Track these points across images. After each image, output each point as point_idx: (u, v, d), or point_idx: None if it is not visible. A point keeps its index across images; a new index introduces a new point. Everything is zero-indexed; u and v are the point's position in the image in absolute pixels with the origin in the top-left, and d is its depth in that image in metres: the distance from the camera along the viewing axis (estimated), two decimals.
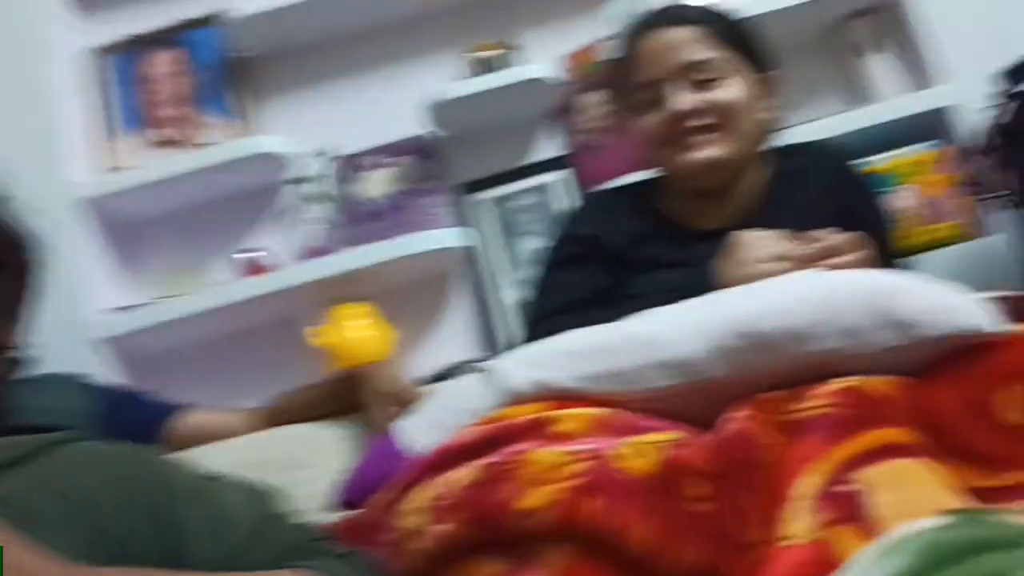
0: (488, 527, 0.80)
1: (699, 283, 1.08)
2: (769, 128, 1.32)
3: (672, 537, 0.75)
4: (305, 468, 1.32)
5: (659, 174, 1.35)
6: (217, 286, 1.83)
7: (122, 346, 1.78)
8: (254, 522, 0.78)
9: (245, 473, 1.31)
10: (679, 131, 1.25)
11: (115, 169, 1.91)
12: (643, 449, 0.81)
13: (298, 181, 1.88)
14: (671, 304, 1.01)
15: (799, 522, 0.73)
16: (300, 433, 1.41)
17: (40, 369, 1.50)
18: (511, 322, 1.81)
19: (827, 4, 1.81)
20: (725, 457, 0.80)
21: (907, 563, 0.50)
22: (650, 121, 1.28)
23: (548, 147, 1.93)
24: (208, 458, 1.36)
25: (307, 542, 0.78)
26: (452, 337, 1.87)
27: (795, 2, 1.76)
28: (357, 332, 1.72)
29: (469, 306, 1.89)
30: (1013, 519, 0.50)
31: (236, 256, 1.85)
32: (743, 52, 1.28)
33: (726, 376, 0.92)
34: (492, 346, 1.80)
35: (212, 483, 0.82)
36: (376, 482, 1.01)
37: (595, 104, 1.86)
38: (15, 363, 1.51)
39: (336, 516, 1.10)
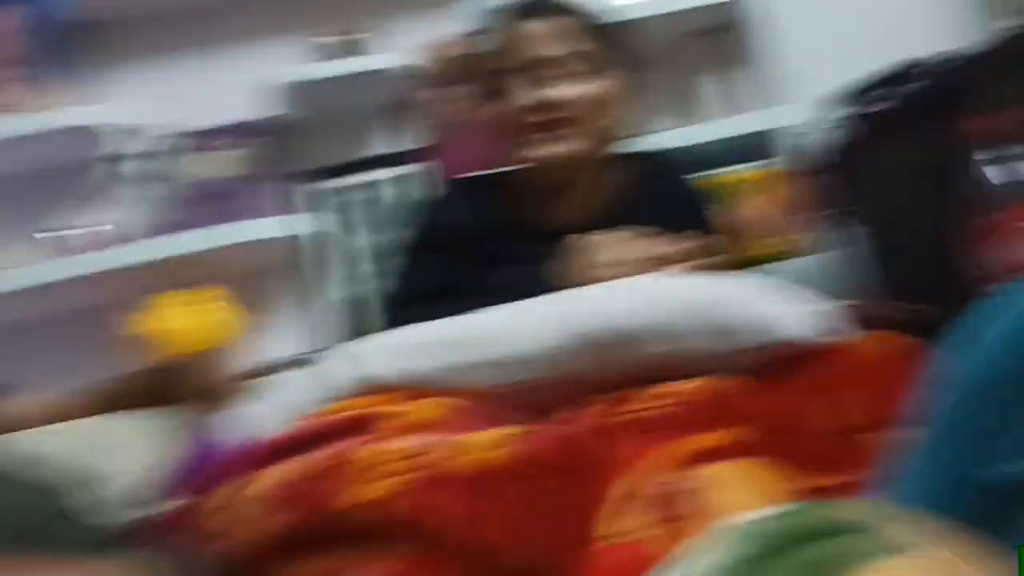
0: (314, 523, 0.77)
1: (541, 282, 1.08)
2: (623, 130, 1.32)
3: (501, 534, 0.74)
4: (111, 460, 1.24)
5: (512, 168, 1.34)
6: (23, 267, 1.69)
7: None
8: (41, 522, 0.72)
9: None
10: (523, 125, 1.24)
11: None
12: (472, 446, 0.80)
13: (119, 158, 1.76)
14: (514, 301, 1.01)
15: (628, 519, 0.74)
16: (105, 424, 1.32)
17: None
18: (340, 316, 1.76)
19: (671, 21, 1.85)
20: (557, 455, 0.80)
21: (734, 552, 0.50)
22: (497, 112, 1.26)
23: (393, 139, 1.90)
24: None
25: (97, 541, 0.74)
26: (282, 330, 1.81)
27: (643, 14, 1.79)
28: (178, 322, 1.62)
29: (302, 298, 1.83)
30: (837, 511, 0.50)
31: (41, 235, 1.71)
32: (605, 51, 1.27)
33: (561, 375, 0.93)
34: (322, 340, 1.75)
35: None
36: (196, 475, 0.96)
37: (452, 95, 1.84)
38: None
39: (150, 509, 1.03)
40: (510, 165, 1.33)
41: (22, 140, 1.71)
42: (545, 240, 1.20)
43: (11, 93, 1.79)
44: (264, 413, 1.01)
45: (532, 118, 1.23)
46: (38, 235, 1.74)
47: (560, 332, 0.93)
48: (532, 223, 1.28)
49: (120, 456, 1.24)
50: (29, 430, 1.32)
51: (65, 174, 1.83)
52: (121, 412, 1.35)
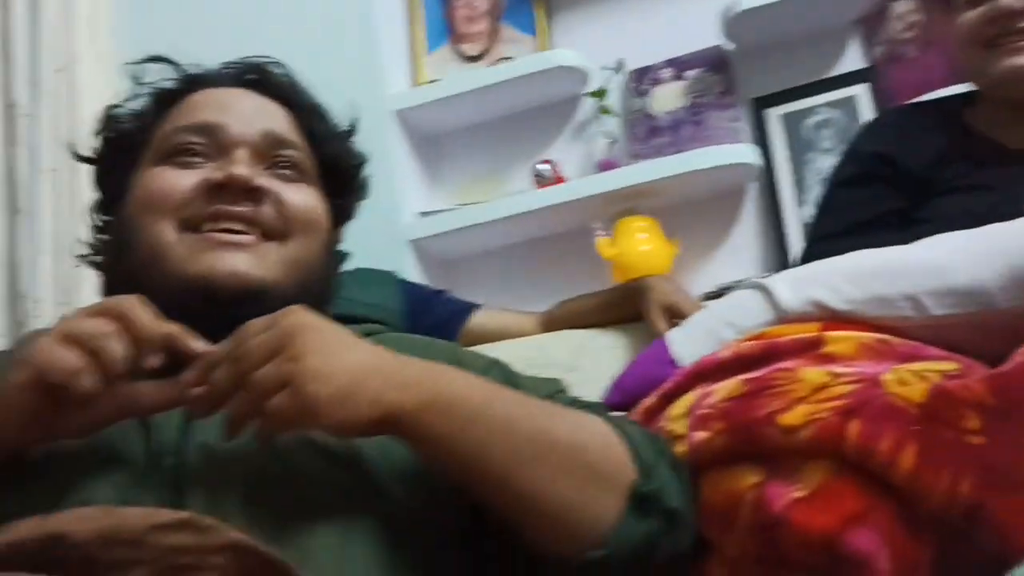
0: (748, 439, 0.82)
1: (1004, 209, 0.99)
2: None
3: (937, 468, 0.73)
4: (579, 371, 1.39)
5: (971, 88, 1.25)
6: (514, 195, 1.92)
7: (426, 248, 1.93)
8: (545, 396, 0.84)
9: (526, 371, 1.42)
10: (1006, 31, 1.14)
11: (426, 83, 2.04)
12: (913, 377, 0.79)
13: (593, 95, 1.92)
14: (967, 230, 0.95)
15: None
16: (580, 337, 1.48)
17: (356, 264, 1.68)
18: (799, 242, 1.76)
19: None
20: (1007, 393, 0.76)
21: None
22: (970, 20, 1.17)
23: (848, 60, 1.84)
24: (494, 355, 1.48)
25: (595, 408, 0.83)
26: (736, 255, 1.85)
27: None
28: (641, 245, 1.75)
29: (756, 224, 1.86)
30: None
31: (533, 167, 1.92)
32: None
33: (1015, 309, 0.86)
34: (777, 267, 1.77)
35: (502, 363, 0.90)
36: (642, 387, 1.05)
37: (906, 10, 1.74)
38: (339, 257, 1.70)
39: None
40: (970, 84, 1.24)
41: (514, 83, 1.94)
42: (1011, 164, 1.11)
43: (486, 44, 2.04)
44: (707, 332, 1.08)
45: (991, 30, 1.14)
46: (532, 166, 1.94)
47: (1000, 266, 0.87)
48: (995, 146, 1.19)
49: (588, 367, 1.40)
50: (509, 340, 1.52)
51: (552, 112, 2.02)
52: (593, 326, 1.51)
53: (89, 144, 0.97)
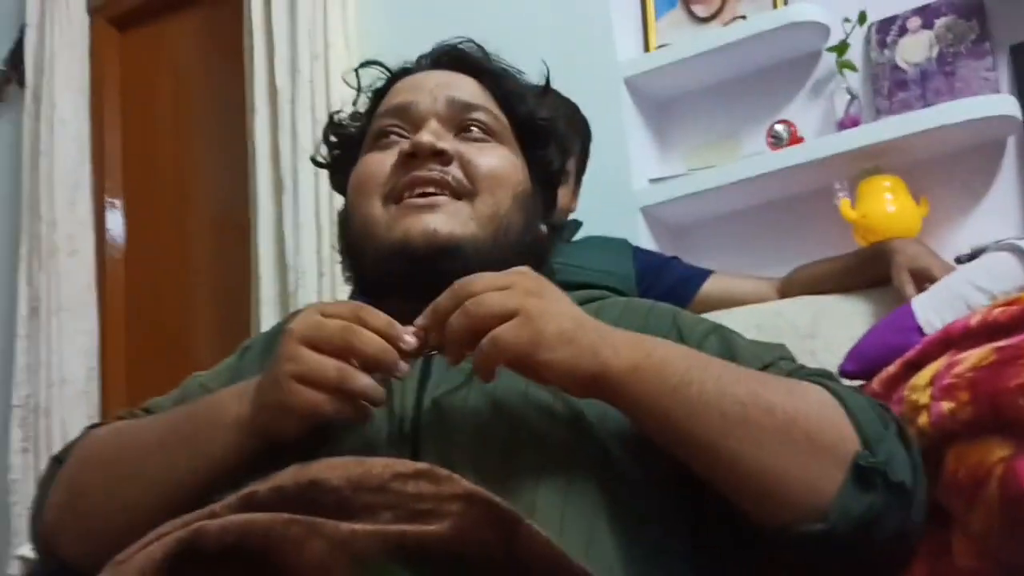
0: (996, 410, 0.77)
1: None
2: None
3: None
4: (818, 338, 1.35)
5: None
6: (749, 157, 1.88)
7: (657, 215, 1.93)
8: (765, 363, 0.83)
9: (760, 338, 1.40)
10: None
11: (657, 48, 2.02)
12: None
13: (833, 49, 1.83)
14: None
15: None
16: (819, 303, 1.43)
17: (589, 232, 1.72)
18: None
19: None
20: None
21: None
22: None
23: None
24: (728, 321, 1.45)
25: (819, 376, 0.81)
26: (992, 216, 1.71)
27: None
28: (886, 206, 1.66)
29: (1015, 182, 1.71)
30: None
31: (769, 127, 1.87)
32: None
33: None
34: None
35: (723, 328, 0.89)
36: (883, 355, 1.01)
37: None
38: (572, 225, 1.74)
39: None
40: None
41: (748, 42, 1.88)
42: None
43: (718, 1, 1.99)
44: (957, 296, 1.02)
45: None
46: (768, 127, 1.88)
47: None
48: None
49: (828, 334, 1.36)
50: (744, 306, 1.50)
51: (788, 69, 1.94)
52: (833, 292, 1.46)
53: (319, 148, 1.08)
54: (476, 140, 0.95)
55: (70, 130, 2.69)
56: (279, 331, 1.02)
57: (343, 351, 0.72)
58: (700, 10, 2.02)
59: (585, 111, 1.69)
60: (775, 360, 0.84)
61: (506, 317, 0.71)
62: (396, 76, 1.03)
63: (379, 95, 1.03)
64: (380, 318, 0.74)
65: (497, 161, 0.94)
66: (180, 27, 2.81)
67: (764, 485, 0.70)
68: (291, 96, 2.22)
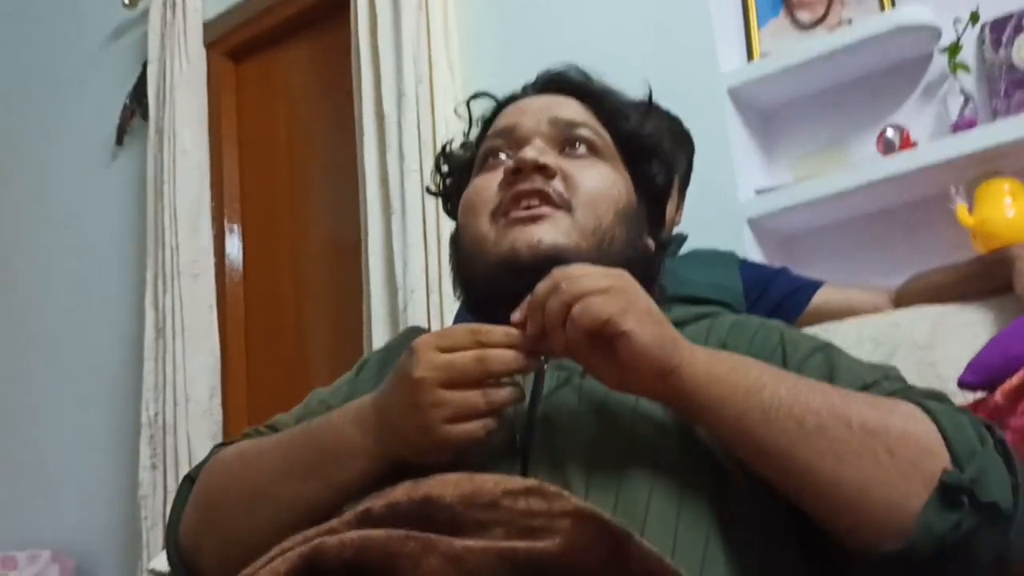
0: None
1: None
2: None
3: None
4: (936, 349, 1.31)
5: None
6: (860, 164, 1.83)
7: (764, 226, 1.90)
8: (867, 383, 0.81)
9: (876, 351, 1.36)
10: None
11: (760, 57, 2.00)
12: None
13: (945, 51, 1.78)
14: None
15: None
16: (937, 313, 1.39)
17: (696, 245, 1.71)
18: None
19: None
20: None
21: None
22: None
23: None
24: (842, 333, 1.43)
25: (924, 396, 0.78)
26: None
27: None
28: (1006, 210, 1.60)
29: None
30: None
31: (879, 133, 1.82)
32: None
33: None
34: None
35: (831, 348, 0.88)
36: (1006, 366, 0.98)
37: None
38: (678, 239, 1.74)
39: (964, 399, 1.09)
40: None
41: (855, 48, 1.84)
42: None
43: (823, 6, 1.96)
44: None
45: None
46: (878, 133, 1.83)
47: None
48: None
49: (946, 345, 1.31)
50: (855, 318, 1.46)
51: (897, 74, 1.89)
52: (951, 301, 1.41)
53: (433, 176, 1.13)
54: (579, 157, 0.97)
55: (191, 160, 2.82)
56: (393, 347, 1.06)
57: (482, 379, 0.75)
58: (804, 16, 1.99)
59: (688, 124, 1.68)
60: (878, 380, 0.82)
61: (599, 293, 0.73)
62: (502, 104, 1.07)
63: (487, 123, 1.07)
64: (496, 332, 0.76)
65: (599, 176, 0.96)
66: (291, 57, 2.91)
67: (841, 499, 0.69)
68: (397, 119, 2.27)
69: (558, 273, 0.76)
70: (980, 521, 0.67)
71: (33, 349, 3.28)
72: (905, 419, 0.71)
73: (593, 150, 0.98)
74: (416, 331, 1.12)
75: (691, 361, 0.73)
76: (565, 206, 0.92)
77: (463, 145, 1.10)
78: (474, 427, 0.74)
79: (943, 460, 0.69)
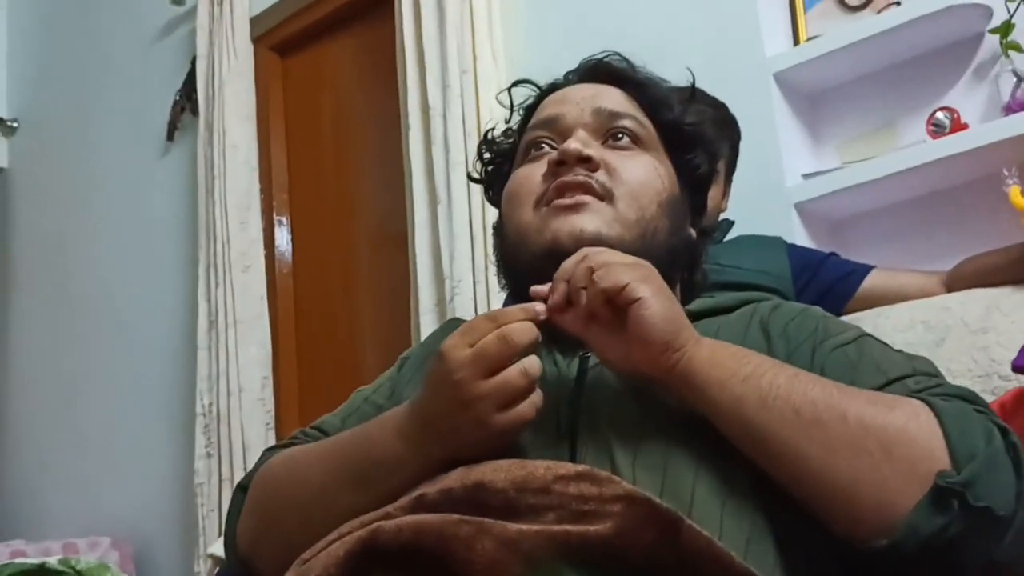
0: None
1: None
2: None
3: None
4: (991, 332, 1.30)
5: None
6: (908, 147, 1.81)
7: (812, 210, 1.88)
8: (890, 377, 0.80)
9: (927, 335, 1.35)
10: None
11: (807, 40, 1.98)
12: None
13: (996, 31, 1.75)
14: None
15: None
16: (990, 296, 1.37)
17: (743, 231, 1.70)
18: None
19: None
20: None
21: None
22: None
23: None
24: (893, 317, 1.42)
25: (942, 394, 0.76)
26: None
27: None
28: None
29: None
30: None
31: (929, 115, 1.80)
32: None
33: None
34: None
35: (866, 339, 0.88)
36: None
37: None
38: (725, 224, 1.73)
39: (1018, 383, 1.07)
40: None
41: (904, 28, 1.81)
42: None
43: None
44: None
45: None
46: (928, 115, 1.81)
47: None
48: None
49: (1000, 328, 1.30)
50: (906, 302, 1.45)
51: (947, 54, 1.87)
52: (1005, 284, 1.39)
53: (475, 165, 1.14)
54: (622, 148, 0.97)
55: (240, 154, 2.86)
56: (433, 341, 1.07)
57: (510, 356, 0.76)
58: None
59: (734, 109, 1.67)
60: (903, 376, 0.80)
61: (622, 264, 0.77)
62: (545, 92, 1.07)
63: (529, 111, 1.07)
64: (512, 311, 0.78)
65: (642, 168, 0.96)
66: (337, 51, 2.94)
67: (831, 490, 0.69)
68: (443, 111, 2.29)
69: (585, 249, 0.80)
70: (969, 526, 0.66)
71: (94, 341, 3.36)
72: (906, 417, 0.70)
73: (636, 140, 0.99)
74: (456, 322, 1.14)
75: (696, 343, 0.77)
76: (608, 197, 0.93)
77: (505, 133, 1.10)
78: (523, 408, 0.75)
79: (940, 462, 0.68)
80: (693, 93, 1.09)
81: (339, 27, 2.92)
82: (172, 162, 3.20)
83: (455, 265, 2.18)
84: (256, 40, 3.01)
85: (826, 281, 1.60)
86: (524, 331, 0.76)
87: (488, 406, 0.75)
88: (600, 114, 0.98)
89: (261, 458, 1.02)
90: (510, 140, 1.09)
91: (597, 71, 1.05)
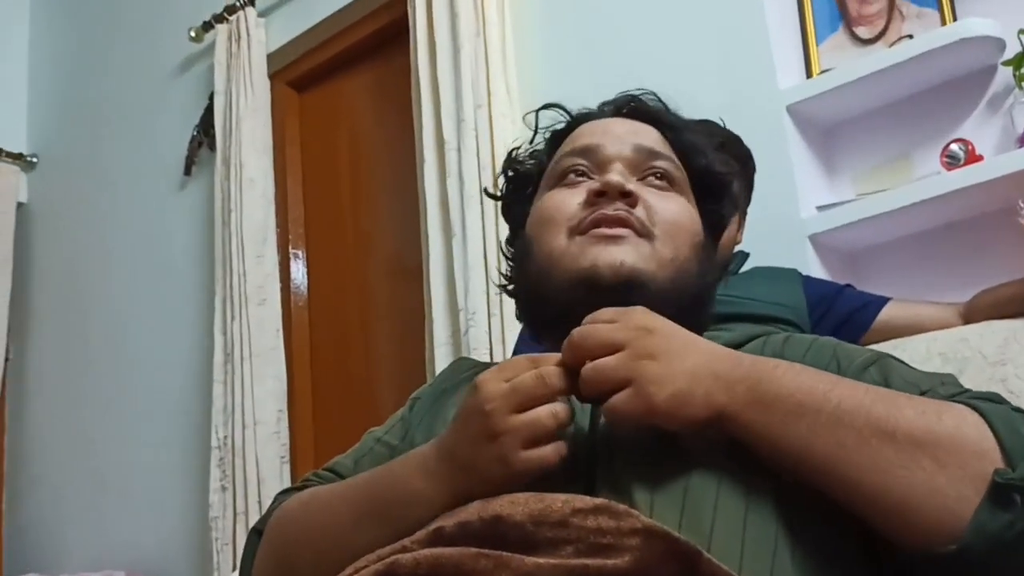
0: None
1: None
2: None
3: None
4: (1009, 364, 1.29)
5: None
6: (922, 179, 1.81)
7: (827, 242, 1.88)
8: (922, 390, 0.81)
9: (945, 367, 1.35)
10: None
11: (820, 73, 1.99)
12: None
13: (1009, 63, 1.75)
14: None
15: None
16: (1008, 328, 1.37)
17: (758, 263, 1.70)
18: None
19: None
20: None
21: None
22: None
23: None
24: (910, 349, 1.42)
25: (980, 400, 0.77)
26: None
27: None
28: None
29: None
30: None
31: (944, 147, 1.80)
32: None
33: None
34: None
35: (886, 358, 0.88)
36: None
37: None
38: (740, 257, 1.73)
39: None
40: None
41: (917, 61, 1.82)
42: None
43: (883, 22, 1.94)
44: None
45: None
46: (943, 147, 1.80)
47: None
48: None
49: (1018, 360, 1.29)
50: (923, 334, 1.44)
51: (961, 87, 1.87)
52: (1016, 317, 1.39)
53: (497, 182, 1.14)
54: (658, 188, 0.98)
55: (257, 188, 2.88)
56: (443, 380, 1.07)
57: (546, 397, 0.76)
58: (863, 32, 1.98)
59: (748, 141, 1.68)
60: (933, 387, 0.81)
61: (619, 386, 0.75)
62: (578, 120, 1.07)
63: (558, 136, 1.07)
64: (552, 357, 0.79)
65: (678, 209, 0.97)
66: (353, 86, 2.97)
67: (889, 509, 0.70)
68: (457, 145, 2.30)
69: (581, 341, 0.79)
70: None
71: (110, 374, 3.37)
72: (956, 423, 0.71)
73: (671, 182, 0.99)
74: (465, 360, 1.14)
75: (731, 406, 0.75)
76: (647, 234, 0.93)
77: (531, 155, 1.10)
78: (548, 452, 0.75)
79: (995, 461, 0.69)
80: (723, 143, 1.10)
81: (355, 63, 2.95)
82: (189, 196, 3.23)
83: (470, 298, 2.19)
84: (273, 76, 3.04)
85: (842, 313, 1.60)
86: (561, 375, 0.77)
87: (513, 441, 0.75)
88: (640, 151, 0.99)
89: (275, 502, 1.02)
90: (533, 162, 1.09)
91: (634, 107, 1.05)
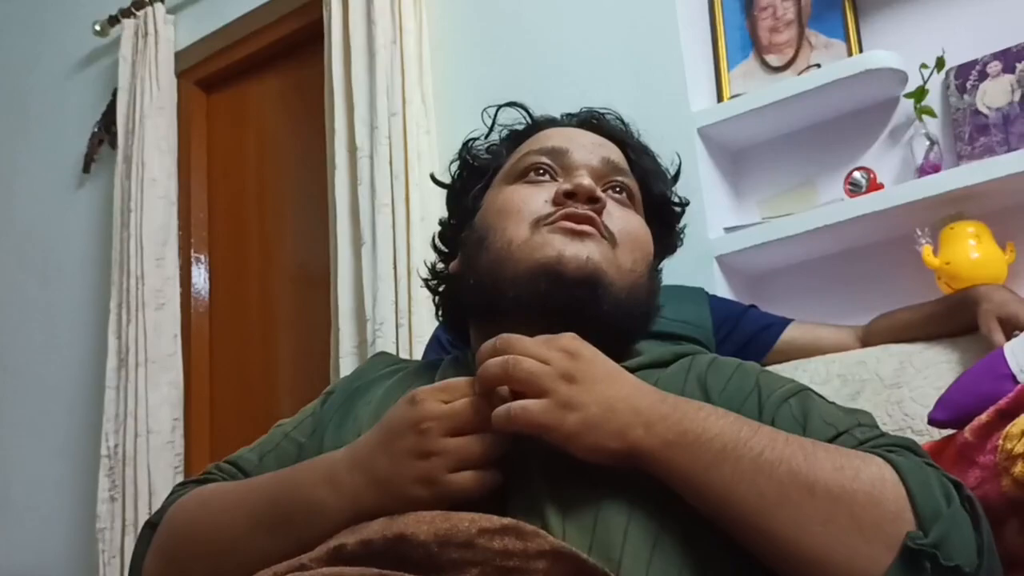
0: None
1: None
2: None
3: None
4: (904, 387, 1.32)
5: None
6: (827, 205, 1.86)
7: (733, 264, 1.91)
8: (839, 430, 0.81)
9: (843, 388, 1.37)
10: None
11: (731, 98, 2.02)
12: None
13: (911, 96, 1.81)
14: None
15: None
16: (903, 352, 1.40)
17: (666, 281, 1.71)
18: None
19: None
20: None
21: None
22: None
23: None
24: (810, 371, 1.45)
25: (896, 447, 0.78)
26: None
27: None
28: (970, 252, 1.63)
29: None
30: None
31: (847, 175, 1.85)
32: None
33: None
34: None
35: (806, 392, 0.88)
36: (975, 404, 0.99)
37: None
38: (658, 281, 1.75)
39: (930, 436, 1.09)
40: None
41: (822, 91, 1.87)
42: None
43: (792, 50, 1.99)
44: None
45: None
46: (845, 175, 1.86)
47: None
48: None
49: (913, 383, 1.33)
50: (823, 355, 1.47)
51: (864, 117, 1.92)
52: (917, 340, 1.43)
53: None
54: (620, 202, 1.00)
55: (158, 189, 2.79)
56: (360, 375, 1.04)
57: (482, 425, 0.76)
58: (774, 60, 2.02)
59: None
60: (850, 428, 0.82)
61: (536, 395, 0.75)
62: (541, 123, 1.09)
63: (519, 136, 1.09)
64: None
65: (638, 224, 1.00)
66: (263, 89, 2.91)
67: (803, 564, 0.70)
68: (370, 152, 2.27)
69: (505, 347, 0.79)
70: None
71: None
72: (872, 482, 0.71)
73: (631, 198, 1.02)
74: (384, 355, 1.12)
75: (647, 442, 0.74)
76: (611, 240, 0.94)
77: (487, 149, 1.11)
78: (472, 479, 0.74)
79: (908, 523, 0.69)
80: (676, 176, 1.14)
81: (266, 65, 2.89)
82: (87, 195, 3.11)
83: (378, 308, 2.16)
84: (180, 75, 2.96)
85: (746, 333, 1.62)
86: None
87: (443, 464, 0.74)
88: (606, 164, 1.01)
89: (172, 494, 0.97)
90: (489, 156, 1.09)
91: (601, 124, 1.08)
